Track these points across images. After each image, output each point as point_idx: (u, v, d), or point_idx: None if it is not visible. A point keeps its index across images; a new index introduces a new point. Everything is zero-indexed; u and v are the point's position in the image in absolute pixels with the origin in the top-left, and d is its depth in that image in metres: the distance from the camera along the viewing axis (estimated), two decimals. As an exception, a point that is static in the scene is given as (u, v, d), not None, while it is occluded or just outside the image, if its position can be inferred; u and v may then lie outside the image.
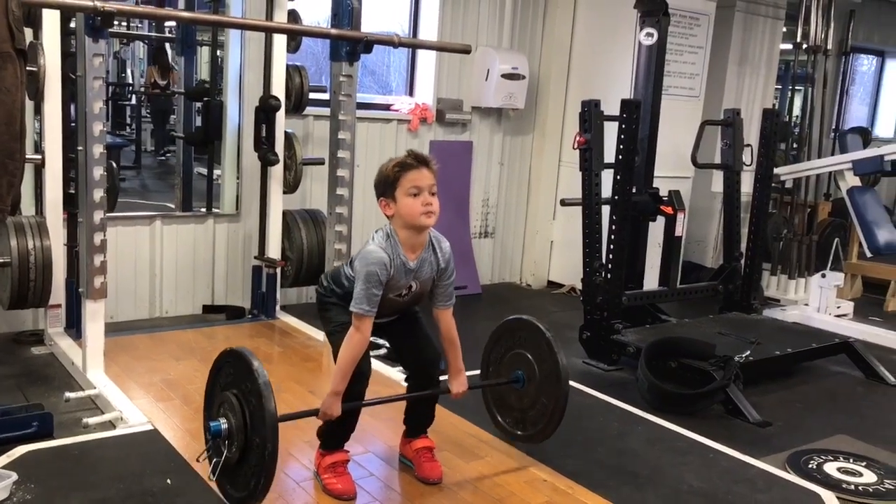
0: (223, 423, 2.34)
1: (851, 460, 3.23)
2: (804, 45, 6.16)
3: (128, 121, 8.77)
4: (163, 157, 8.30)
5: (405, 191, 2.49)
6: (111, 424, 3.10)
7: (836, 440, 3.50)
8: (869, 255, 5.62)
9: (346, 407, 2.54)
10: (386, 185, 2.53)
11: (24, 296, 3.66)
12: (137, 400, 3.28)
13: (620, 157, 4.28)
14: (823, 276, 5.45)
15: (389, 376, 3.61)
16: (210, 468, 2.39)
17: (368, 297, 2.48)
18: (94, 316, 3.46)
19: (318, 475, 2.70)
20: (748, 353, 3.95)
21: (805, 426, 3.67)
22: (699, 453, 3.19)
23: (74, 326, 3.94)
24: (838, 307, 5.55)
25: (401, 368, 3.54)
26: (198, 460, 2.46)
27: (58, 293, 3.86)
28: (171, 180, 5.73)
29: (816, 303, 5.44)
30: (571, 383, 3.81)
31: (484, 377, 3.11)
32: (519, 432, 2.97)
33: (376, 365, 3.76)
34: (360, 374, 2.57)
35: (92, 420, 3.06)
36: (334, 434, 2.68)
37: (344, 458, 2.69)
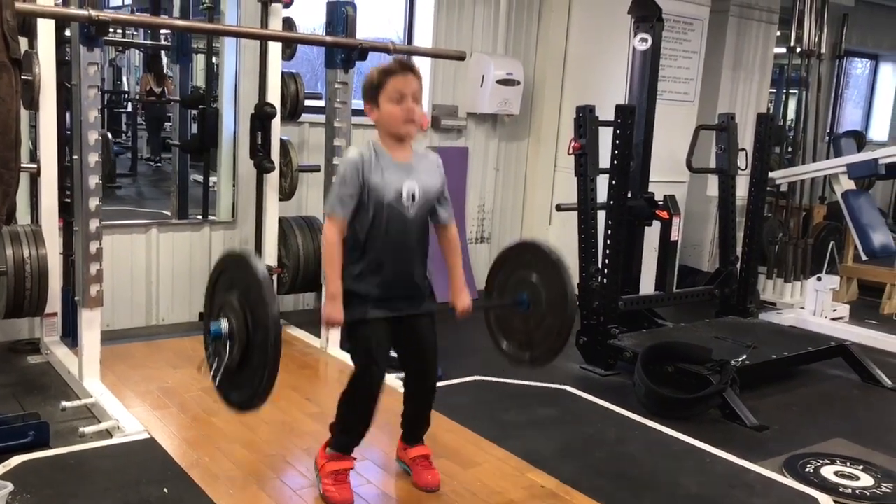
0: (223, 325, 2.29)
1: (848, 464, 3.24)
2: (798, 49, 6.17)
3: (124, 128, 8.78)
4: (157, 164, 8.31)
5: (388, 96, 2.46)
6: (108, 433, 3.09)
7: (833, 444, 3.50)
8: (864, 258, 5.63)
9: (350, 317, 2.46)
10: (371, 90, 2.50)
11: (20, 304, 3.66)
12: (134, 408, 3.28)
13: (615, 162, 4.29)
14: (819, 279, 5.46)
15: (388, 384, 3.59)
16: (211, 375, 2.33)
17: (340, 197, 2.45)
18: (91, 324, 3.46)
19: (318, 474, 2.68)
20: (744, 357, 3.96)
21: (802, 430, 3.67)
22: (696, 458, 3.19)
23: (70, 335, 3.93)
24: (834, 310, 5.57)
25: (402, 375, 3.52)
26: (198, 370, 2.42)
27: (54, 302, 3.85)
28: (167, 187, 5.73)
29: (812, 306, 5.45)
30: (568, 388, 3.86)
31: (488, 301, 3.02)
32: (526, 355, 2.85)
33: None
34: (374, 375, 2.55)
35: (88, 429, 3.05)
36: (348, 431, 2.63)
37: (348, 466, 2.67)
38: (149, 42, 7.05)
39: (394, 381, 3.59)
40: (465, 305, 2.67)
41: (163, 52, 7.15)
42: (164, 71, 7.39)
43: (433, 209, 2.63)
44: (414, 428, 2.84)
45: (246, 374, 2.27)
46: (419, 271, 2.62)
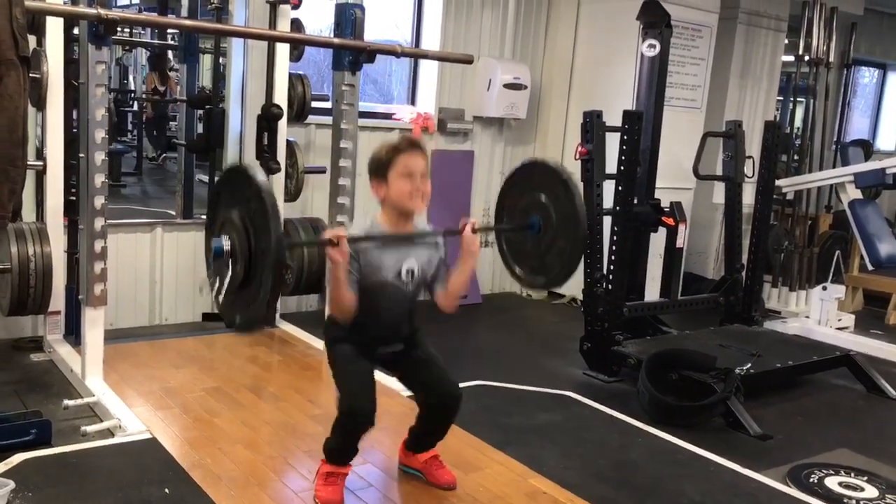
0: (225, 241, 2.26)
1: (853, 474, 3.22)
2: (806, 58, 6.16)
3: (129, 127, 8.79)
4: (154, 161, 8.31)
5: (398, 173, 2.49)
6: (109, 433, 3.09)
7: (838, 454, 3.49)
8: (870, 267, 5.61)
9: (353, 239, 2.42)
10: (379, 167, 2.53)
11: (24, 302, 3.65)
12: (136, 408, 3.27)
13: (622, 167, 4.28)
14: (824, 288, 5.44)
15: (390, 386, 3.59)
16: (213, 293, 2.31)
17: None
18: (94, 323, 3.46)
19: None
20: (749, 365, 3.94)
21: (806, 440, 3.65)
22: (700, 466, 3.17)
23: (74, 333, 3.93)
24: (839, 320, 5.54)
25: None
26: (200, 291, 2.38)
27: (57, 300, 3.85)
28: (172, 187, 5.73)
29: (817, 315, 5.43)
30: (572, 395, 3.85)
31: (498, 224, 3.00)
32: (540, 279, 2.85)
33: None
34: (365, 413, 2.55)
35: (90, 428, 3.05)
36: (339, 448, 2.65)
37: (342, 471, 2.67)
38: (156, 41, 7.05)
39: (397, 383, 3.60)
40: (470, 224, 2.61)
41: (170, 52, 7.16)
42: (168, 70, 7.41)
43: (432, 281, 2.66)
44: (428, 440, 2.83)
45: (250, 288, 2.22)
46: (411, 323, 2.71)
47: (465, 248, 2.57)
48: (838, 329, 5.45)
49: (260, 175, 2.22)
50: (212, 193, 2.41)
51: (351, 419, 2.56)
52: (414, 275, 2.59)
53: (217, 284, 2.28)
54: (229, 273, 2.24)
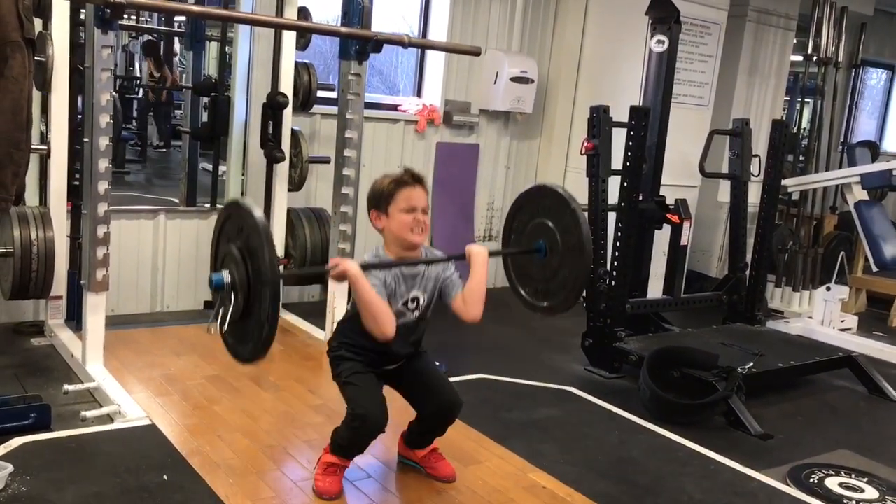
0: (225, 276, 2.28)
1: (853, 475, 3.21)
2: (815, 57, 6.13)
3: (134, 114, 8.77)
4: (158, 150, 8.30)
5: (399, 207, 2.52)
6: (109, 418, 3.08)
7: (838, 455, 3.48)
8: (875, 269, 5.59)
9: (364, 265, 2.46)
10: (380, 199, 2.56)
11: (26, 286, 3.65)
12: (136, 394, 3.27)
13: (628, 163, 4.27)
14: (828, 289, 5.43)
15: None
16: (218, 323, 2.32)
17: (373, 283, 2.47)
18: (95, 308, 3.45)
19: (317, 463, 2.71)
20: (751, 364, 3.93)
21: (807, 440, 3.64)
22: (700, 464, 3.16)
23: (75, 318, 3.92)
24: (842, 321, 5.53)
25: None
26: (208, 331, 2.38)
27: (59, 284, 3.85)
28: (175, 174, 5.71)
29: (820, 316, 5.41)
30: (572, 390, 3.84)
31: (506, 245, 3.01)
32: (543, 304, 2.87)
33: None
34: (376, 422, 2.56)
35: (90, 413, 3.05)
36: (345, 446, 2.64)
37: (343, 463, 2.67)
38: (163, 28, 7.03)
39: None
40: (479, 250, 2.64)
41: (176, 39, 7.14)
42: (162, 57, 7.37)
43: (446, 294, 2.66)
44: (426, 439, 2.83)
45: (250, 324, 2.25)
46: (416, 346, 2.73)
47: (474, 258, 2.60)
48: (841, 330, 5.44)
49: (256, 210, 2.25)
50: (215, 226, 2.46)
51: (363, 426, 2.56)
52: (419, 303, 2.62)
53: (220, 316, 2.30)
54: (231, 305, 2.28)
